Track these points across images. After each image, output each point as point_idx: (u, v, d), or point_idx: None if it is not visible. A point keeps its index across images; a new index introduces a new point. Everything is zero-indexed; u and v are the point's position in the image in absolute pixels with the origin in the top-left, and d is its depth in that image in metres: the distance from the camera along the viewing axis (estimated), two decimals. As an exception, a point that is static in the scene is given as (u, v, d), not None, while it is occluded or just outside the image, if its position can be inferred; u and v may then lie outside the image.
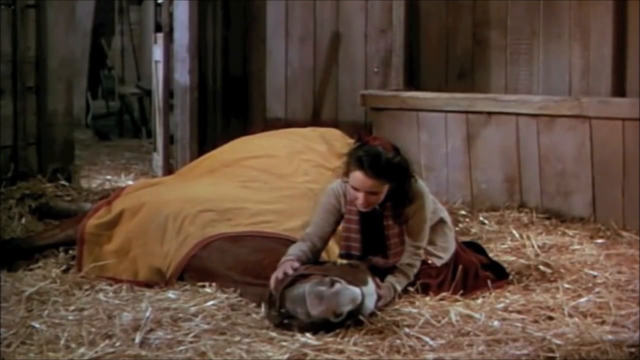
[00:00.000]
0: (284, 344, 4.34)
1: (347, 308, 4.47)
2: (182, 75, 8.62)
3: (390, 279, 4.96)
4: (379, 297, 4.76)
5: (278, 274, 4.78)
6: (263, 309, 4.75)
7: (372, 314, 4.66)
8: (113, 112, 13.19)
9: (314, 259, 4.98)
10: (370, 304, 4.64)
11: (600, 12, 7.41)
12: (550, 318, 4.77)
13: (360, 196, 4.90)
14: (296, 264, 4.83)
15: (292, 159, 6.05)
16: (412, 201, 5.03)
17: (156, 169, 8.98)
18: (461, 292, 5.10)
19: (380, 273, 4.98)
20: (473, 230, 6.61)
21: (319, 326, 4.49)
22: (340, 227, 5.11)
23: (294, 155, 6.09)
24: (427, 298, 4.99)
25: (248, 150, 6.23)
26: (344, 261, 4.99)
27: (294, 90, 8.64)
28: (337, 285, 4.48)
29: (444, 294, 5.05)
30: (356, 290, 4.54)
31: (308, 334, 4.44)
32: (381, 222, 5.04)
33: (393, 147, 5.00)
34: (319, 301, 4.46)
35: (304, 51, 8.58)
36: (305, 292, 4.52)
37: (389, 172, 4.89)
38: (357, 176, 4.88)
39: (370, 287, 4.69)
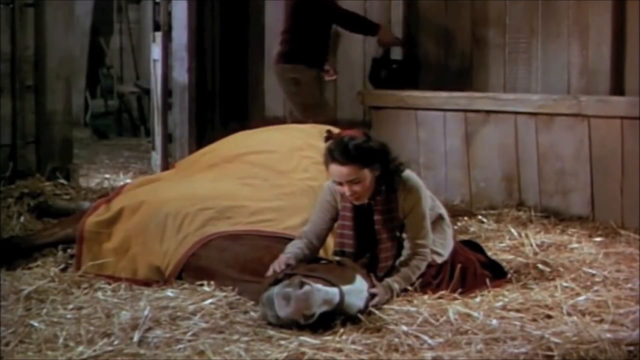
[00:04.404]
0: (283, 342, 4.34)
1: (319, 309, 4.44)
2: (181, 74, 8.63)
3: (388, 279, 4.96)
4: (373, 296, 4.75)
5: (269, 272, 4.81)
6: (260, 307, 4.75)
7: (370, 313, 4.66)
8: (112, 111, 13.19)
9: (310, 256, 4.99)
10: (357, 301, 4.62)
11: (599, 10, 7.41)
12: (549, 316, 4.77)
13: (345, 189, 4.95)
14: (291, 261, 4.85)
15: (292, 155, 6.04)
16: (408, 196, 5.04)
17: (155, 167, 8.98)
18: (459, 290, 5.10)
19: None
20: (472, 229, 6.62)
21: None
22: (335, 225, 5.13)
23: (294, 152, 6.08)
24: (426, 296, 4.99)
25: (248, 145, 6.21)
26: (338, 258, 5.00)
27: (292, 89, 8.62)
28: (306, 287, 4.44)
29: (442, 292, 5.05)
30: (330, 290, 4.51)
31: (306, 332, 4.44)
32: (372, 217, 5.05)
33: (364, 134, 5.05)
34: (287, 303, 4.45)
35: (303, 50, 8.57)
36: (274, 293, 4.52)
37: (359, 155, 4.93)
38: (333, 168, 4.96)
39: (358, 284, 4.67)
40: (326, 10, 7.65)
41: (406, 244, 5.06)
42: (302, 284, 4.47)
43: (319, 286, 4.49)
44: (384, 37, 7.85)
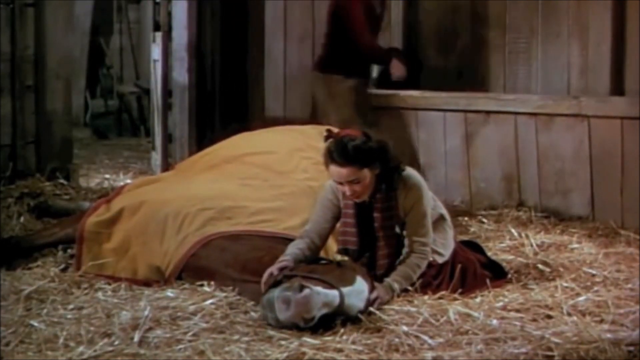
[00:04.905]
0: (283, 342, 4.34)
1: (319, 312, 4.44)
2: (181, 74, 8.62)
3: (388, 279, 4.96)
4: (374, 299, 4.75)
5: (267, 274, 4.80)
6: (260, 309, 4.75)
7: (370, 313, 4.65)
8: (111, 111, 13.20)
9: (312, 256, 4.99)
10: (357, 302, 4.61)
11: (598, 10, 7.41)
12: (549, 317, 4.77)
13: (345, 188, 4.97)
14: (290, 264, 4.84)
15: (292, 156, 6.05)
16: (408, 194, 5.05)
17: (155, 167, 8.98)
18: (460, 290, 5.10)
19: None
20: (472, 229, 6.62)
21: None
22: (338, 224, 5.13)
23: (294, 152, 6.09)
24: (426, 297, 4.99)
25: (248, 146, 6.22)
26: (340, 258, 5.00)
27: (292, 89, 8.63)
28: (306, 291, 4.45)
29: (442, 292, 5.05)
30: (330, 293, 4.51)
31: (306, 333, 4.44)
32: (372, 215, 5.06)
33: (363, 134, 5.04)
34: (287, 306, 4.46)
35: (302, 50, 8.58)
36: (274, 297, 4.52)
37: (359, 156, 4.94)
38: (332, 169, 4.97)
39: (358, 285, 4.66)
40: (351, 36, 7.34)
41: (407, 242, 5.07)
42: (301, 287, 4.46)
43: (319, 289, 4.48)
44: (396, 70, 7.56)
